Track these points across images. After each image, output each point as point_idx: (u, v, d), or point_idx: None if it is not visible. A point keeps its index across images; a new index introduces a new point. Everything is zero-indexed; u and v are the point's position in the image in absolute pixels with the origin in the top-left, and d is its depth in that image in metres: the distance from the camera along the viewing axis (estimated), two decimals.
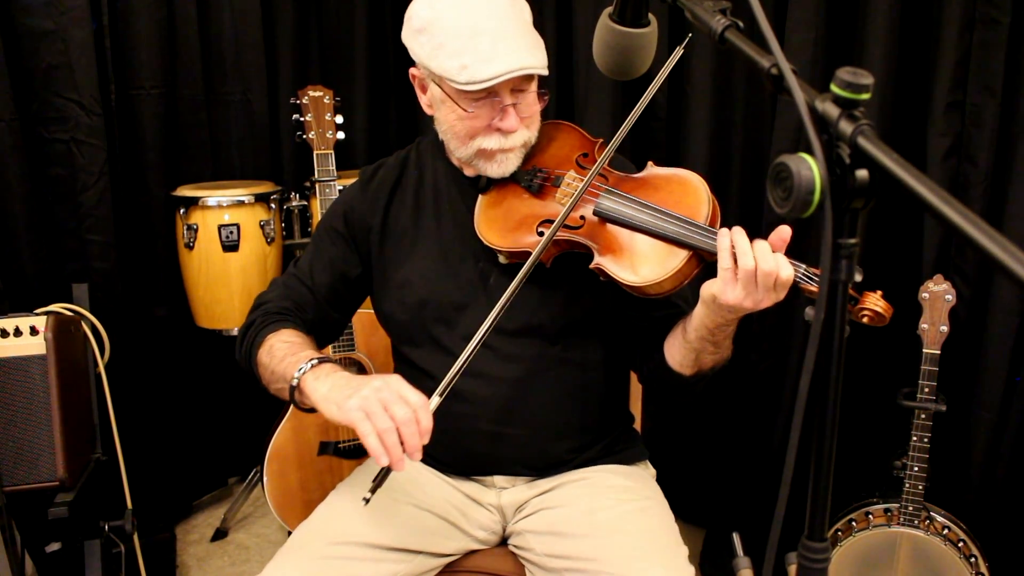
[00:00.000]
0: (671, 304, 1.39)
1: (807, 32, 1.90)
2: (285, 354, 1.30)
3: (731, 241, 1.13)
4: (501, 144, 1.35)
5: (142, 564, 2.07)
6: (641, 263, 1.25)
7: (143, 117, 2.36)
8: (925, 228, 1.86)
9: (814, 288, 1.13)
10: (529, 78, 1.33)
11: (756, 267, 1.10)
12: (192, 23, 2.43)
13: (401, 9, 1.40)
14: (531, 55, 1.30)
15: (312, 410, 1.25)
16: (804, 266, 1.14)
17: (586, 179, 1.26)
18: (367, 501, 1.17)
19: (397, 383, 1.13)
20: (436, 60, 1.30)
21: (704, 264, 1.24)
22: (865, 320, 1.12)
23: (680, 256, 1.22)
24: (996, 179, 1.79)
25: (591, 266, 1.28)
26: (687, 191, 1.29)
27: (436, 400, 1.17)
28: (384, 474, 1.17)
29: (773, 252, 1.12)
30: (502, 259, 1.38)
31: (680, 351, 1.31)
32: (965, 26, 1.74)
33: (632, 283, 1.24)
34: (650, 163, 1.37)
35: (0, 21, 2.08)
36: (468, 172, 1.45)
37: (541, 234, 1.32)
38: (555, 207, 1.35)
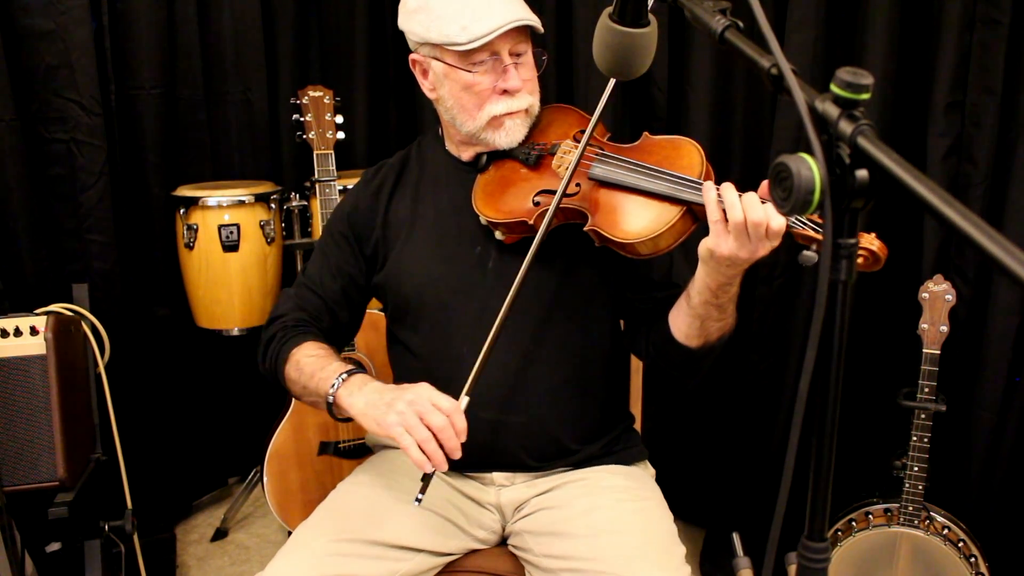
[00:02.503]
0: (672, 284, 1.40)
1: (807, 32, 1.90)
2: (314, 370, 1.35)
3: (718, 193, 1.15)
4: (509, 107, 1.37)
5: (142, 564, 2.07)
6: (633, 220, 1.26)
7: (143, 117, 2.36)
8: (925, 228, 1.86)
9: (808, 232, 1.13)
10: (526, 41, 1.38)
11: (745, 218, 1.11)
12: (192, 23, 2.43)
13: None
14: (525, 10, 1.36)
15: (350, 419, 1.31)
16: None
17: (582, 142, 1.28)
18: (419, 501, 1.21)
19: (428, 392, 1.19)
20: (436, 30, 1.34)
21: (699, 222, 1.24)
22: (860, 262, 1.12)
23: (673, 212, 1.23)
24: (996, 179, 1.79)
25: (585, 228, 1.29)
26: (681, 153, 1.30)
27: (465, 400, 1.22)
28: (430, 476, 1.22)
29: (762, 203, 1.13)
30: (499, 235, 1.38)
31: (686, 321, 1.31)
32: (965, 26, 1.74)
33: (623, 239, 1.25)
34: (645, 133, 1.39)
35: (0, 21, 2.08)
36: (466, 156, 1.47)
37: (537, 203, 1.34)
38: (551, 176, 1.37)
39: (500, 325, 1.24)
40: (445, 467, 1.16)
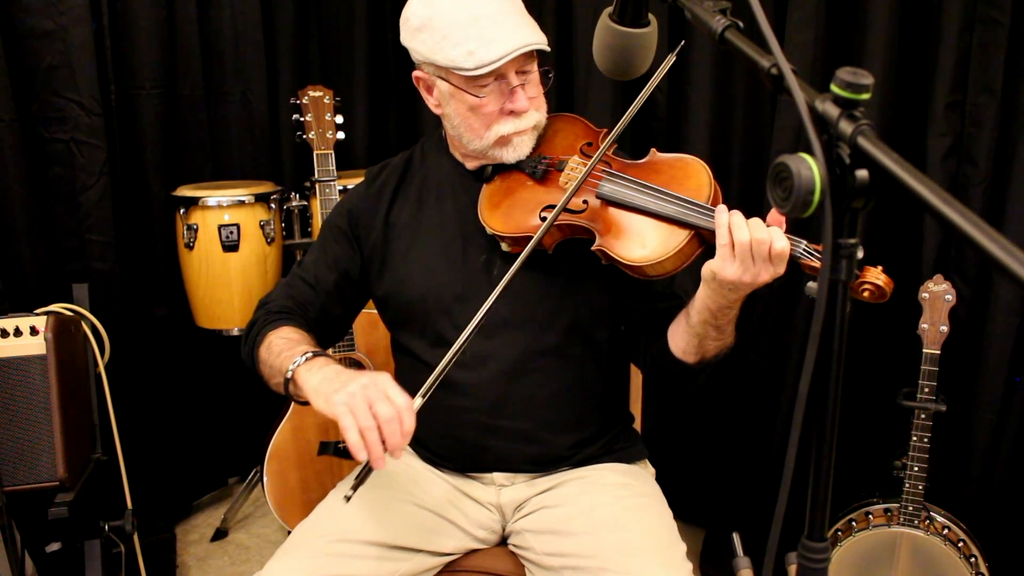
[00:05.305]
0: (674, 296, 1.39)
1: (807, 32, 1.90)
2: (282, 349, 1.32)
3: (728, 217, 1.15)
4: (516, 127, 1.37)
5: (142, 564, 2.07)
6: (642, 243, 1.26)
7: (143, 117, 2.36)
8: (925, 228, 1.86)
9: (815, 263, 1.14)
10: (531, 59, 1.36)
11: (751, 238, 1.12)
12: (192, 23, 2.43)
13: (401, 9, 1.40)
14: (532, 32, 1.33)
15: (307, 402, 1.26)
16: (805, 242, 1.16)
17: (591, 161, 1.27)
18: (348, 499, 1.19)
19: (385, 382, 1.14)
20: (441, 52, 1.31)
21: (705, 245, 1.24)
22: (866, 295, 1.12)
23: (681, 236, 1.23)
24: (996, 179, 1.79)
25: (593, 248, 1.28)
26: (689, 174, 1.30)
27: (419, 401, 1.18)
28: (366, 472, 1.18)
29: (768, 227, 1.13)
30: (505, 247, 1.38)
31: (684, 337, 1.31)
32: (965, 26, 1.74)
33: (632, 262, 1.25)
34: (653, 150, 1.38)
35: (0, 21, 2.08)
36: (471, 165, 1.46)
37: (544, 219, 1.32)
38: (558, 192, 1.35)
39: (470, 334, 1.22)
40: (382, 465, 1.10)
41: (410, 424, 1.12)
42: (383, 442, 1.10)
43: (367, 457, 1.10)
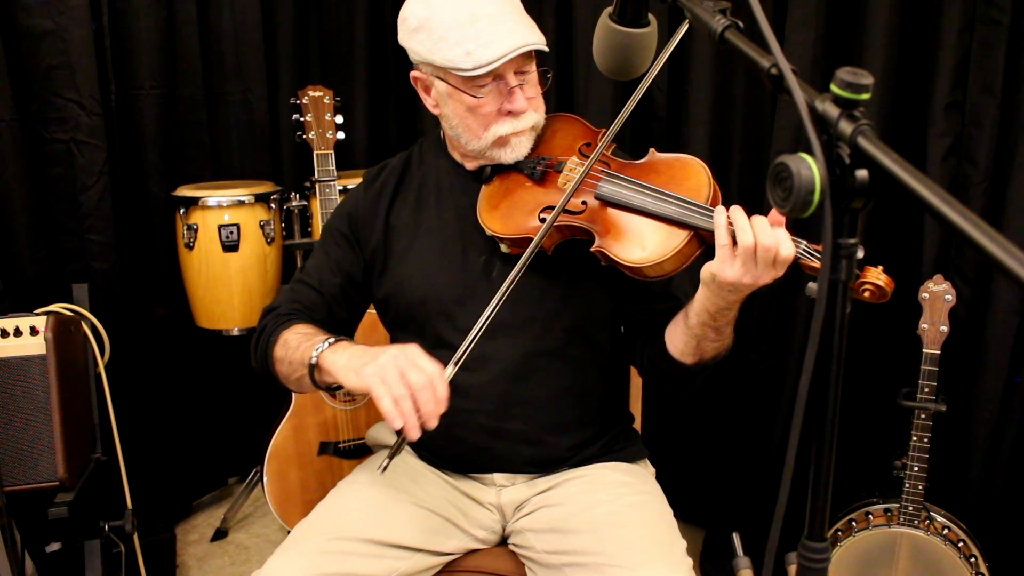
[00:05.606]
0: (672, 296, 1.39)
1: (807, 32, 1.90)
2: (300, 342, 1.32)
3: (728, 218, 1.14)
4: (514, 127, 1.36)
5: (142, 564, 2.07)
6: (641, 244, 1.25)
7: (143, 117, 2.36)
8: (925, 228, 1.86)
9: (816, 264, 1.13)
10: (530, 59, 1.36)
11: (755, 243, 1.10)
12: (192, 23, 2.43)
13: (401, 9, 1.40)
14: (531, 32, 1.33)
15: (334, 388, 1.27)
16: (805, 242, 1.15)
17: (588, 162, 1.27)
18: (384, 469, 1.20)
19: (414, 351, 1.15)
20: (439, 53, 1.31)
21: (705, 246, 1.24)
22: (866, 295, 1.12)
23: (680, 236, 1.23)
24: (996, 179, 1.79)
25: (592, 249, 1.28)
26: (688, 174, 1.30)
27: (451, 369, 1.19)
28: (399, 443, 1.18)
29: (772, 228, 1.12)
30: (504, 248, 1.38)
31: (682, 338, 1.31)
32: (965, 26, 1.74)
33: (632, 263, 1.25)
34: (652, 150, 1.38)
35: (0, 21, 2.08)
36: (470, 166, 1.46)
37: (543, 220, 1.32)
38: (557, 193, 1.35)
39: (493, 309, 1.23)
40: (416, 435, 1.10)
41: (443, 391, 1.12)
42: (417, 411, 1.10)
43: (400, 425, 1.10)
